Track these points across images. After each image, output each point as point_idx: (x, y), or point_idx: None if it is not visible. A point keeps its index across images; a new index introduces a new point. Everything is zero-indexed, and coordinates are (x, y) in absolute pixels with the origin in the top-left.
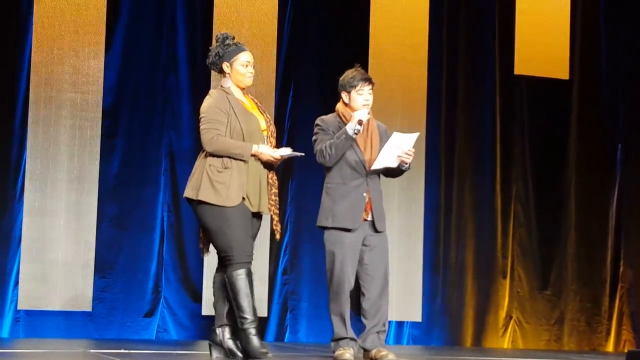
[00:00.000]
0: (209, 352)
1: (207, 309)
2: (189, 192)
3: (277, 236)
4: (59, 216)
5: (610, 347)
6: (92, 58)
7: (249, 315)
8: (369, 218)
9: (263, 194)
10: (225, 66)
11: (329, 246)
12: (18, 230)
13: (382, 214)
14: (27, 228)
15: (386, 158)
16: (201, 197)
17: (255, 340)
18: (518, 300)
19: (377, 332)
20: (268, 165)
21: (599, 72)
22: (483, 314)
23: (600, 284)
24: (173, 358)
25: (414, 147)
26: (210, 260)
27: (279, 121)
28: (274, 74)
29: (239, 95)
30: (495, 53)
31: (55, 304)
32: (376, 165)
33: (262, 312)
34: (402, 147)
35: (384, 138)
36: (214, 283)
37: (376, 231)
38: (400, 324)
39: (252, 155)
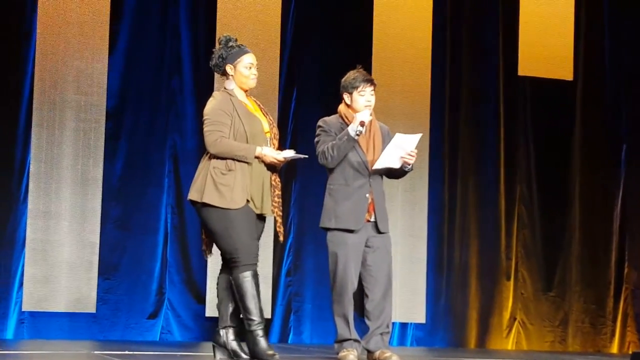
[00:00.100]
0: (212, 354)
1: (211, 310)
2: (193, 195)
3: (281, 238)
4: (63, 218)
5: (614, 348)
6: (96, 60)
7: (256, 317)
8: (372, 219)
9: (266, 196)
10: (228, 68)
11: (332, 247)
12: (22, 231)
13: (385, 215)
14: (32, 230)
15: (388, 159)
16: (205, 200)
17: (262, 342)
18: (522, 302)
19: (381, 334)
20: (271, 167)
21: (603, 73)
22: (487, 316)
23: (604, 285)
24: (177, 359)
25: (416, 148)
26: (214, 262)
27: (282, 123)
28: (277, 76)
29: (242, 97)
30: (499, 54)
31: (59, 306)
32: (378, 165)
33: (266, 313)
34: (405, 148)
35: (386, 139)
36: (217, 285)
37: (379, 232)
38: (403, 325)
39: (256, 157)
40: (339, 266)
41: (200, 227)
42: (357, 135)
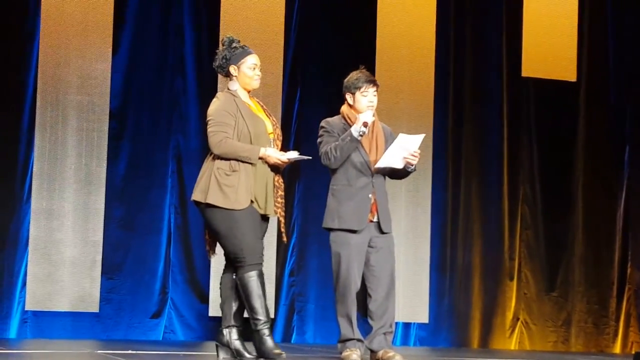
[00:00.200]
0: (215, 353)
1: (214, 310)
2: (197, 196)
3: (284, 239)
4: (66, 217)
5: (617, 348)
6: (99, 61)
7: (261, 317)
8: (375, 219)
9: (270, 197)
10: (232, 69)
11: (335, 247)
12: (26, 231)
13: (388, 215)
14: (35, 229)
15: (391, 158)
16: (210, 201)
17: (269, 341)
18: (525, 302)
19: (384, 334)
20: (275, 168)
21: (606, 74)
22: (490, 316)
23: (607, 285)
24: (180, 359)
25: (419, 148)
26: (217, 262)
27: (285, 124)
28: (281, 77)
29: (246, 98)
30: (503, 55)
31: (62, 305)
32: (380, 164)
33: (270, 313)
34: (408, 148)
35: (389, 140)
36: (221, 284)
37: (382, 232)
38: (407, 325)
39: (260, 158)
40: (342, 266)
41: (203, 228)
42: (360, 136)
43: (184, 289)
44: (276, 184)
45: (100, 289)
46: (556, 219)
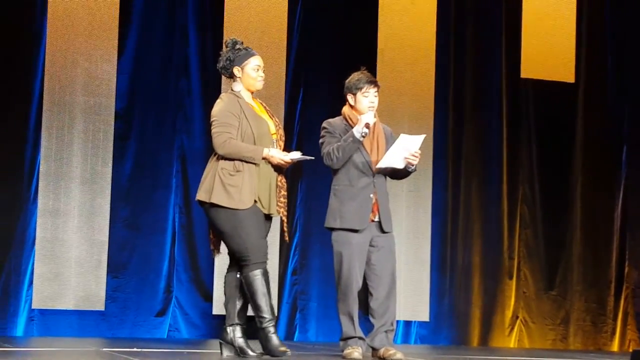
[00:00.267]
0: (219, 351)
1: (218, 308)
2: (201, 195)
3: (286, 238)
4: (72, 217)
5: (615, 346)
6: (105, 62)
7: (267, 315)
8: (376, 219)
9: (273, 197)
10: (236, 70)
11: (337, 247)
12: (32, 231)
13: (389, 215)
14: (41, 229)
15: (392, 159)
16: (214, 200)
17: (274, 339)
18: (524, 301)
19: (386, 332)
20: (278, 168)
21: (604, 76)
22: (490, 314)
23: (605, 284)
24: (184, 356)
25: (420, 149)
26: (221, 261)
27: (288, 125)
28: (284, 79)
29: (249, 99)
30: (502, 56)
31: (68, 304)
32: (382, 164)
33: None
34: (409, 148)
35: (389, 140)
36: (225, 283)
37: (383, 232)
38: (408, 324)
39: (263, 158)
40: (344, 265)
41: (207, 227)
42: (363, 137)
43: (188, 287)
44: (279, 183)
45: (106, 287)
46: (555, 218)
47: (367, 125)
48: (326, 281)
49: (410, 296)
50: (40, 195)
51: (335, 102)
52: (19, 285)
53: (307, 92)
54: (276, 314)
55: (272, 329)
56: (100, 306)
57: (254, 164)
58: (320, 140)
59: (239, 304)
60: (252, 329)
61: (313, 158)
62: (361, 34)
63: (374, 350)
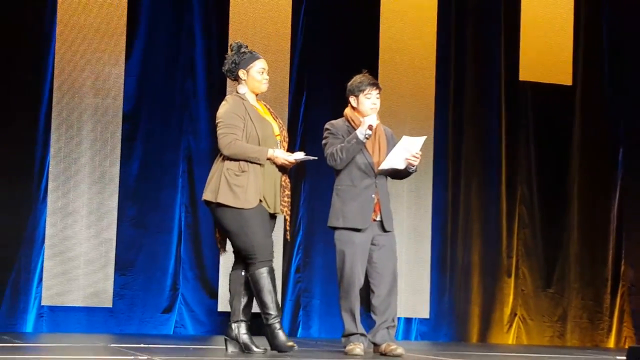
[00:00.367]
0: (224, 347)
1: (223, 305)
2: (207, 195)
3: (288, 237)
4: (81, 216)
5: (611, 343)
6: (113, 65)
7: (272, 311)
8: (378, 218)
9: (278, 196)
10: (241, 73)
11: (340, 246)
12: (42, 229)
13: (390, 214)
14: (51, 227)
15: (394, 160)
16: (220, 200)
17: (281, 335)
18: (522, 298)
19: (387, 328)
20: (282, 168)
21: (601, 78)
22: (489, 311)
23: (602, 282)
24: (190, 352)
25: (420, 150)
26: (226, 259)
27: (292, 126)
28: (287, 81)
29: (253, 101)
30: (501, 60)
31: (77, 300)
32: (384, 166)
33: None
34: (410, 149)
35: (390, 142)
36: (230, 281)
37: (384, 231)
38: (408, 321)
39: (268, 158)
40: (347, 264)
41: (213, 226)
42: (367, 138)
43: (194, 285)
44: (283, 183)
45: (114, 285)
46: (553, 218)
47: (370, 127)
48: (329, 279)
49: (411, 294)
50: (49, 195)
51: (337, 104)
52: (29, 282)
53: (310, 95)
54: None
55: (277, 325)
56: (108, 303)
57: (259, 164)
58: (323, 142)
59: (243, 301)
60: (257, 325)
61: (316, 158)
62: (363, 37)
63: (376, 346)
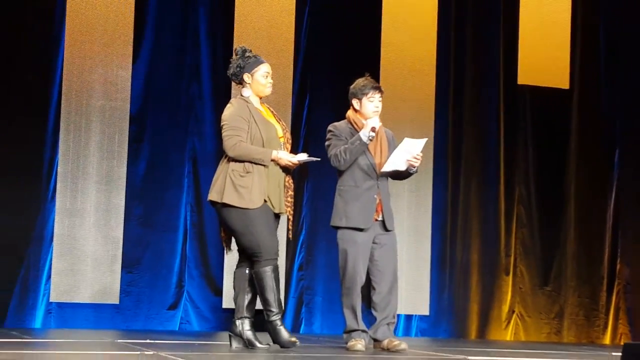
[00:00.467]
0: (229, 343)
1: (227, 302)
2: (213, 196)
3: (290, 236)
4: (88, 215)
5: (607, 340)
6: (121, 68)
7: (274, 308)
8: (380, 218)
9: (282, 196)
10: (246, 77)
11: (343, 245)
12: (50, 228)
13: (391, 214)
14: (59, 226)
15: (396, 161)
16: (225, 200)
17: (282, 331)
18: (520, 296)
19: (387, 324)
20: (285, 169)
21: (597, 82)
22: (487, 309)
23: (598, 280)
24: (195, 348)
25: (422, 151)
26: (231, 257)
27: (295, 128)
28: (291, 84)
29: (257, 104)
30: (500, 64)
31: (85, 297)
32: (386, 168)
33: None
34: (411, 151)
35: (391, 144)
36: (234, 278)
37: (386, 230)
38: (409, 317)
39: (272, 160)
40: (349, 263)
41: (218, 226)
42: (370, 140)
43: (199, 282)
44: (286, 184)
45: (121, 282)
46: (550, 218)
47: (373, 129)
48: (331, 277)
49: (411, 291)
50: (58, 194)
51: (339, 106)
52: (38, 279)
53: (313, 97)
54: (283, 307)
55: (279, 322)
56: (114, 300)
57: (264, 165)
58: (327, 143)
59: (247, 298)
60: (260, 321)
61: (319, 159)
62: (365, 41)
63: (377, 341)
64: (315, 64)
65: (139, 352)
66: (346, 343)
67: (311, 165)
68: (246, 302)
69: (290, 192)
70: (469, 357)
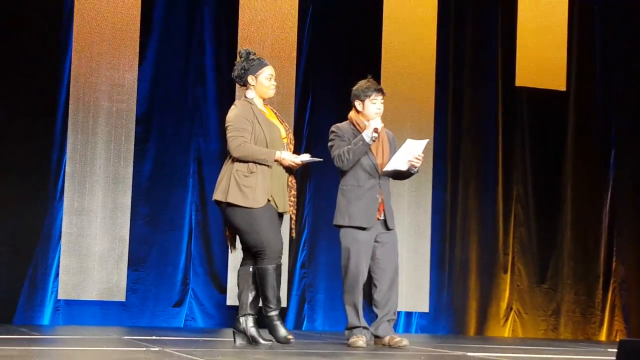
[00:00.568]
0: (233, 339)
1: (232, 299)
2: (218, 196)
3: (293, 235)
4: (96, 214)
5: (603, 336)
6: (127, 71)
7: (272, 305)
8: (382, 217)
9: (285, 196)
10: (250, 79)
11: (345, 243)
12: (58, 227)
13: (392, 213)
14: (67, 225)
15: (398, 162)
16: (230, 200)
17: (279, 327)
18: (518, 293)
19: (388, 321)
20: (289, 169)
21: (593, 84)
22: (485, 306)
23: (594, 278)
24: (200, 344)
25: (422, 152)
26: (235, 256)
27: (298, 129)
28: (294, 86)
29: (261, 105)
30: (498, 66)
31: (92, 295)
32: (388, 167)
33: (282, 302)
34: (413, 152)
35: (392, 144)
36: (238, 276)
37: (387, 229)
38: (409, 314)
39: (275, 160)
40: (352, 261)
41: (223, 225)
42: (373, 141)
43: (204, 280)
44: (289, 184)
45: (127, 280)
46: (547, 217)
47: (375, 130)
48: (333, 275)
49: (412, 289)
50: (65, 194)
51: (341, 108)
52: (46, 277)
53: (315, 99)
54: (284, 305)
55: (276, 318)
56: (121, 297)
57: (267, 165)
58: (330, 144)
59: (251, 296)
60: (262, 317)
61: (322, 160)
62: (366, 43)
63: (378, 337)
64: (318, 66)
65: (144, 349)
66: (348, 339)
67: (313, 166)
68: (250, 299)
69: (293, 192)
70: (468, 353)
